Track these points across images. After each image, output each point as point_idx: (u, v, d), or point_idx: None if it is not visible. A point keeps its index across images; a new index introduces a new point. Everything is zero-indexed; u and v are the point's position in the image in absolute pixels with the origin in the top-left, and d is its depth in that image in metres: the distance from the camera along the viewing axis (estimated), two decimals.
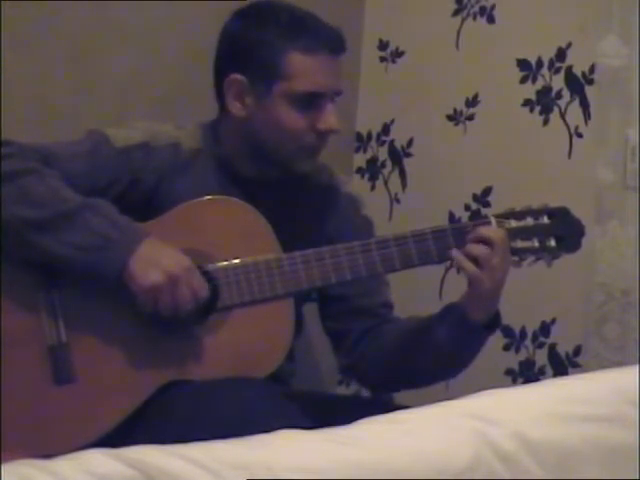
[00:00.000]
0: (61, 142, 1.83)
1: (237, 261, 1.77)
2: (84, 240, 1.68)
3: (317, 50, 1.81)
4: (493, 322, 1.85)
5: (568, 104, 2.48)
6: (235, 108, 1.86)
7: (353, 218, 1.98)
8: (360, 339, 1.95)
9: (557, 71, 2.50)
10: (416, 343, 1.89)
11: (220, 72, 1.88)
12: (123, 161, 1.82)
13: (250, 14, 1.87)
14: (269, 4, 1.88)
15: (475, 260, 1.76)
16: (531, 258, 1.84)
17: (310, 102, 1.82)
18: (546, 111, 2.51)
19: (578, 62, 2.46)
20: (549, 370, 2.51)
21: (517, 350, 2.55)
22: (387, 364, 1.93)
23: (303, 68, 1.81)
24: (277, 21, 1.83)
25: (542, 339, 2.52)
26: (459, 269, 1.83)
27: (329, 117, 1.83)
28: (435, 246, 1.79)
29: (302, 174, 1.89)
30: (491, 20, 2.62)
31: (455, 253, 1.77)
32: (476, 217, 2.54)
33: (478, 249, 1.76)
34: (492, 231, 1.78)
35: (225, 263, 1.77)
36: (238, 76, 1.84)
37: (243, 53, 1.85)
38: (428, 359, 1.87)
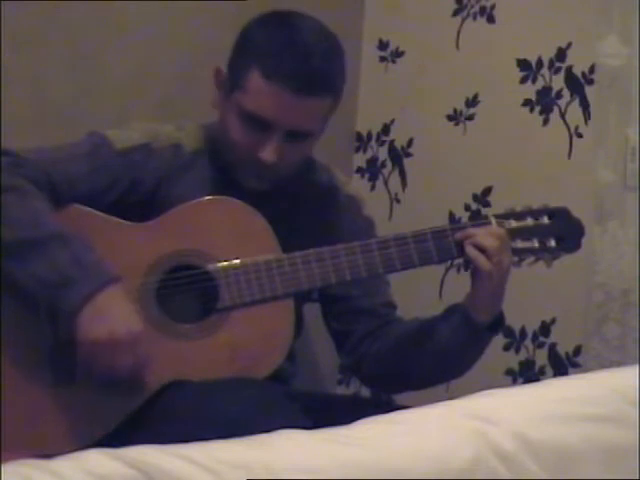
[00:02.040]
0: (61, 144, 1.83)
1: (237, 261, 1.77)
2: (44, 274, 1.62)
3: (277, 81, 1.74)
4: (496, 323, 1.85)
5: (568, 104, 2.48)
6: (215, 98, 1.85)
7: (354, 218, 1.98)
8: (363, 339, 1.95)
9: (557, 71, 2.50)
10: (419, 344, 1.88)
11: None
12: (123, 162, 1.81)
13: (264, 21, 1.83)
14: (280, 17, 1.83)
15: (484, 252, 1.76)
16: (531, 258, 1.84)
17: (256, 126, 1.77)
18: (546, 111, 2.51)
19: (578, 62, 2.46)
20: (549, 370, 2.51)
21: (517, 350, 2.55)
22: (389, 364, 1.93)
23: (257, 89, 1.76)
24: (268, 34, 1.79)
25: (542, 339, 2.52)
26: (468, 263, 1.82)
27: (267, 149, 1.77)
28: (435, 246, 1.79)
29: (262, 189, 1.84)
30: (491, 20, 2.62)
31: (469, 249, 1.77)
32: (476, 217, 2.54)
33: (488, 241, 1.76)
34: (494, 230, 1.79)
35: (225, 263, 1.76)
36: (222, 68, 1.84)
37: (235, 51, 1.84)
38: (431, 360, 1.87)
